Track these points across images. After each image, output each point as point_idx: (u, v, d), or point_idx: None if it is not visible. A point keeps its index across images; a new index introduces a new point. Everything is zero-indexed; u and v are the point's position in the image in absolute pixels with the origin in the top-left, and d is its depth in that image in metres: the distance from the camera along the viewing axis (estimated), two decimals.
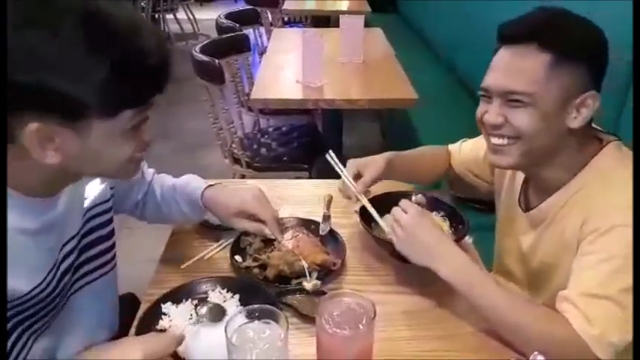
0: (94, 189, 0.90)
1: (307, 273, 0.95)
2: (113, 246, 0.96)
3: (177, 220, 1.11)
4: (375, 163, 1.12)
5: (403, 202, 0.97)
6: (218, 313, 0.85)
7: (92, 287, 0.91)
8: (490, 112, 0.90)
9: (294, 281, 0.96)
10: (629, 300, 0.78)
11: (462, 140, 1.25)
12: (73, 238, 0.84)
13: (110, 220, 0.95)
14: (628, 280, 0.78)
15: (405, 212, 0.94)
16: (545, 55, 0.84)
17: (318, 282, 0.94)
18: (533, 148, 0.89)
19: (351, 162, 1.13)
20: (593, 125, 0.94)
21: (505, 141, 0.90)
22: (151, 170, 1.11)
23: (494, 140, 0.92)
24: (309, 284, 0.93)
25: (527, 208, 1.01)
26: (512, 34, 0.88)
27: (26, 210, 0.74)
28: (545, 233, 0.95)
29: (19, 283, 0.73)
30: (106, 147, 0.71)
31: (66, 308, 0.86)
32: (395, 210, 0.96)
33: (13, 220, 0.71)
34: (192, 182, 1.07)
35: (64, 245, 0.83)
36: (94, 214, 0.91)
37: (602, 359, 0.77)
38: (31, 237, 0.75)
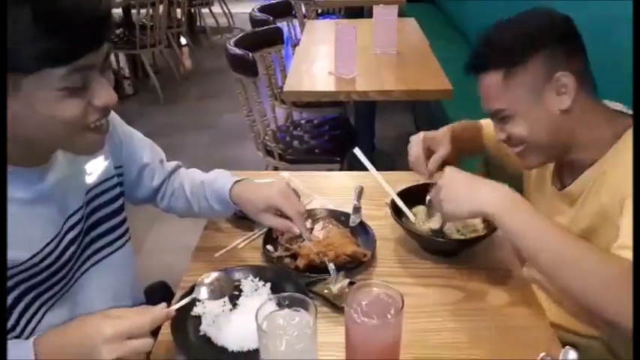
0: (97, 166, 0.91)
1: (332, 274, 0.93)
2: (123, 221, 0.97)
3: (208, 216, 1.12)
4: (443, 136, 1.16)
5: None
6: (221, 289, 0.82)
7: (105, 263, 0.93)
8: (496, 130, 1.01)
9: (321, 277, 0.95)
10: None
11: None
12: (76, 212, 0.86)
13: (118, 196, 0.95)
14: None
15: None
16: (494, 74, 0.94)
17: (346, 282, 0.92)
18: (545, 144, 0.95)
19: (415, 138, 1.18)
20: (612, 102, 0.96)
21: (519, 148, 0.98)
22: (174, 162, 1.11)
23: (513, 150, 0.99)
24: (335, 287, 0.91)
25: (561, 187, 1.01)
26: (471, 69, 0.99)
27: (14, 179, 0.75)
28: (583, 208, 0.96)
29: (14, 251, 0.74)
30: (41, 107, 0.69)
31: (78, 285, 0.88)
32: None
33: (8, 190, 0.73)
34: (220, 178, 1.04)
35: (68, 217, 0.84)
36: (99, 192, 0.92)
37: None
38: (25, 206, 0.76)
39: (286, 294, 0.72)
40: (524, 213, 0.84)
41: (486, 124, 1.23)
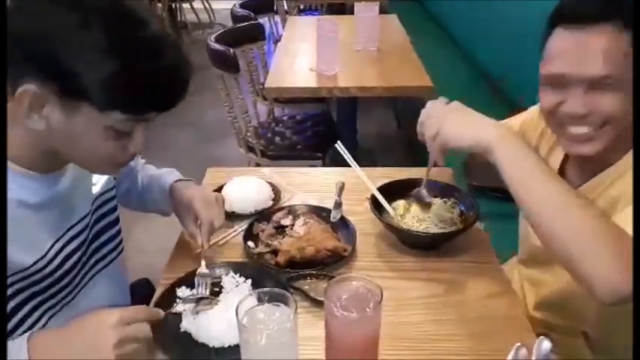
0: (102, 176, 0.93)
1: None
2: (120, 231, 0.99)
3: (153, 210, 1.12)
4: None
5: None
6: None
7: (104, 273, 0.95)
8: (571, 102, 0.82)
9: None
10: None
11: (506, 120, 1.17)
12: (81, 219, 0.87)
13: (116, 207, 0.97)
14: None
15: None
16: (627, 33, 0.78)
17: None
18: (622, 132, 0.82)
19: (442, 98, 1.04)
20: None
21: (590, 129, 0.83)
22: (142, 160, 1.12)
23: (577, 130, 0.84)
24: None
25: None
26: (582, 14, 0.80)
27: (25, 183, 0.76)
28: None
29: (19, 255, 0.75)
30: (86, 136, 0.72)
31: (81, 293, 0.90)
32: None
33: (12, 192, 0.74)
34: (168, 175, 1.08)
35: (71, 227, 0.85)
36: (103, 201, 0.94)
37: None
38: (31, 211, 0.77)
39: (266, 289, 0.72)
40: (518, 147, 0.81)
41: None
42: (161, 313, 0.77)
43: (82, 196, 0.88)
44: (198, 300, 0.86)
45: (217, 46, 2.06)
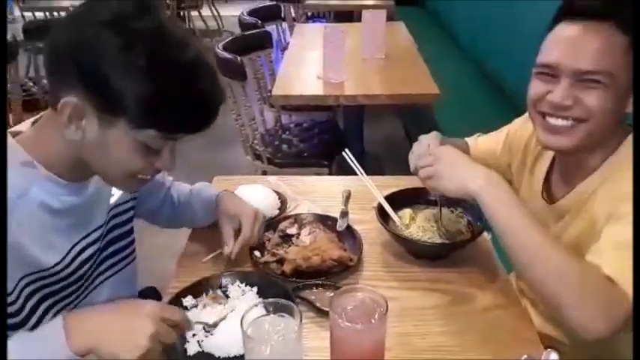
0: None
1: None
2: (133, 241, 1.01)
3: (185, 225, 1.15)
4: (450, 141, 1.08)
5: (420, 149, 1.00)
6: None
7: (113, 280, 0.96)
8: (557, 92, 0.85)
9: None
10: None
11: (477, 135, 1.24)
12: (97, 229, 0.89)
13: (131, 218, 0.99)
14: None
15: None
16: (625, 36, 0.80)
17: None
18: (598, 131, 0.85)
19: (435, 134, 1.06)
20: None
21: (569, 122, 0.85)
22: (170, 178, 1.15)
23: (556, 121, 0.87)
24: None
25: (550, 200, 0.99)
26: (587, 8, 0.82)
27: (51, 188, 0.79)
28: (573, 223, 0.93)
29: (42, 255, 0.78)
30: (117, 149, 0.75)
31: (89, 298, 0.91)
32: (419, 161, 0.96)
33: (37, 193, 0.77)
34: (208, 188, 1.13)
35: (88, 234, 0.87)
36: (119, 212, 0.96)
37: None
38: (51, 215, 0.79)
39: (272, 300, 0.72)
40: (505, 197, 0.85)
41: (472, 142, 1.22)
42: (192, 326, 0.78)
43: (100, 207, 0.91)
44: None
45: (225, 54, 2.08)
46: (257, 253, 1.05)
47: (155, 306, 0.73)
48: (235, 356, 0.80)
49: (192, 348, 0.82)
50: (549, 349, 0.70)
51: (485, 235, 1.07)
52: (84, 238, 0.86)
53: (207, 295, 0.92)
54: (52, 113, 0.75)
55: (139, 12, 0.71)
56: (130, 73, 0.69)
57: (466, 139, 1.25)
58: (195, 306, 0.89)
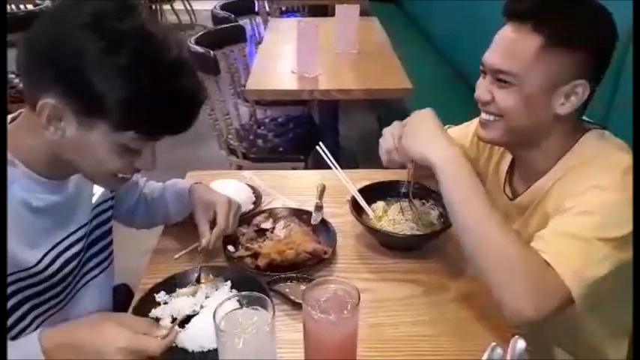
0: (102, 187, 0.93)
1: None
2: (111, 242, 1.00)
3: (159, 221, 1.13)
4: None
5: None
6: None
7: (94, 282, 0.95)
8: (480, 87, 0.92)
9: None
10: (605, 249, 0.78)
11: (447, 126, 1.25)
12: (80, 228, 0.89)
13: (111, 218, 0.99)
14: (606, 233, 0.78)
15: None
16: (536, 37, 0.83)
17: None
18: (516, 128, 0.90)
19: (388, 129, 1.06)
20: (584, 117, 0.94)
21: (491, 117, 0.92)
22: (144, 178, 1.14)
23: (483, 115, 0.93)
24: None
25: (513, 196, 1.02)
26: (513, 10, 0.87)
27: (31, 186, 0.79)
28: (531, 219, 0.96)
29: (21, 253, 0.78)
30: (97, 150, 0.74)
31: (72, 302, 0.90)
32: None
33: (18, 191, 0.77)
34: (181, 182, 1.13)
35: (70, 234, 0.86)
36: (100, 211, 0.95)
37: (574, 293, 0.77)
38: (32, 214, 0.79)
39: (245, 293, 0.72)
40: (461, 172, 0.86)
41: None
42: (166, 346, 0.74)
43: (82, 205, 0.90)
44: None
45: (197, 49, 2.05)
46: (231, 248, 1.04)
47: (130, 342, 0.71)
48: (209, 350, 0.80)
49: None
50: (516, 337, 0.72)
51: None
52: (66, 238, 0.86)
53: (198, 282, 0.92)
54: (29, 112, 0.74)
55: (119, 12, 0.70)
56: (111, 75, 0.68)
57: None
58: (166, 303, 0.89)
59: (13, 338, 0.78)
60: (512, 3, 0.88)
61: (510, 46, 0.86)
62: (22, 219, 0.77)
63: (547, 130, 0.90)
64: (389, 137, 1.02)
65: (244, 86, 2.19)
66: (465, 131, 1.16)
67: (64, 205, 0.84)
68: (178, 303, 0.87)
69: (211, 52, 2.02)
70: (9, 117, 0.83)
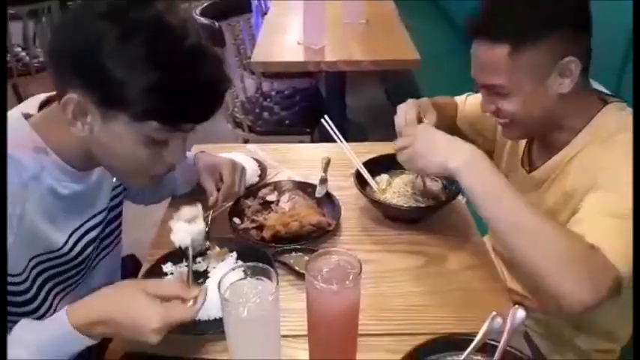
0: None
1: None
2: (121, 223, 1.02)
3: (171, 194, 1.15)
4: (429, 104, 1.07)
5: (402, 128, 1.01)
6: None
7: (105, 260, 0.98)
8: (482, 100, 0.95)
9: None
10: None
11: (467, 93, 1.23)
12: (99, 213, 0.91)
13: (122, 200, 1.01)
14: None
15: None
16: (501, 46, 0.85)
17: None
18: (531, 122, 0.92)
19: (405, 105, 1.06)
20: (597, 87, 0.93)
21: (505, 121, 0.94)
22: None
23: (498, 120, 0.96)
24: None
25: (530, 169, 1.01)
26: (468, 30, 0.90)
27: (59, 175, 0.80)
28: (549, 192, 0.96)
29: (54, 236, 0.81)
30: (122, 144, 0.74)
31: (89, 277, 0.93)
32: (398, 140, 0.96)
33: (46, 179, 0.78)
34: (187, 154, 1.12)
35: (89, 219, 0.89)
36: (115, 194, 0.97)
37: (622, 272, 0.75)
38: (57, 200, 0.81)
39: (250, 264, 0.73)
40: (485, 172, 0.85)
41: (461, 101, 1.22)
42: (199, 309, 0.73)
43: (103, 192, 0.93)
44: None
45: (202, 20, 2.03)
46: (236, 220, 1.06)
47: (164, 321, 0.69)
48: (215, 319, 0.82)
49: None
50: (516, 306, 0.73)
51: (460, 197, 1.09)
52: (85, 222, 0.88)
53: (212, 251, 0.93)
54: (59, 108, 0.74)
55: (136, 2, 0.70)
56: (129, 64, 0.68)
57: (455, 97, 1.24)
58: (172, 273, 0.91)
59: (39, 318, 0.79)
60: (468, 23, 0.91)
61: (484, 62, 0.89)
62: (49, 204, 0.79)
63: (561, 111, 0.90)
64: (402, 116, 1.02)
65: (250, 58, 2.17)
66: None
67: (87, 193, 0.86)
68: (180, 232, 0.86)
69: (216, 24, 2.00)
70: (43, 96, 0.84)
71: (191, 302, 0.72)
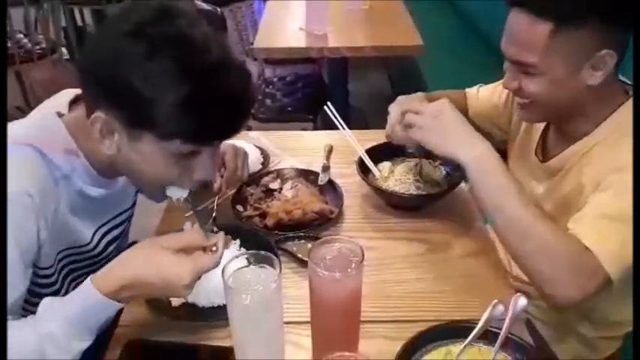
0: None
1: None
2: (132, 214, 1.04)
3: None
4: (418, 100, 1.04)
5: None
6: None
7: (117, 247, 0.99)
8: (506, 76, 0.91)
9: None
10: None
11: (479, 85, 1.21)
12: (123, 212, 0.94)
13: (136, 194, 1.02)
14: None
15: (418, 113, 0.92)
16: (545, 23, 0.81)
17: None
18: (552, 106, 0.90)
19: (402, 99, 1.06)
20: (622, 78, 0.91)
21: (524, 101, 0.91)
22: None
23: (517, 99, 0.94)
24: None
25: (544, 158, 1.00)
26: (527, 2, 0.83)
27: (87, 179, 0.82)
28: (562, 182, 0.95)
29: (81, 232, 0.85)
30: (151, 163, 0.74)
31: None
32: (408, 115, 0.93)
33: (76, 181, 0.81)
34: None
35: (114, 217, 0.92)
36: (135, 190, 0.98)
37: (612, 276, 0.77)
38: (85, 200, 0.83)
39: (253, 251, 0.74)
40: (494, 171, 0.85)
41: (473, 94, 1.20)
42: (221, 256, 0.75)
43: (129, 193, 0.95)
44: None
45: (204, 6, 2.01)
46: (240, 208, 1.06)
47: (193, 274, 0.71)
48: (219, 306, 0.83)
49: (176, 300, 0.84)
50: (518, 294, 0.74)
51: (463, 185, 1.09)
52: (109, 221, 0.91)
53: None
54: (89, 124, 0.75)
55: (159, 19, 0.69)
56: (156, 81, 0.67)
57: (466, 89, 1.22)
58: None
59: None
60: None
61: (521, 36, 0.84)
62: (78, 203, 0.82)
63: (584, 100, 0.88)
64: (393, 116, 1.00)
65: (252, 44, 2.16)
66: (499, 90, 1.12)
67: (113, 196, 0.88)
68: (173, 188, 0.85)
69: (218, 9, 1.99)
70: (72, 92, 0.84)
71: (213, 249, 0.74)
